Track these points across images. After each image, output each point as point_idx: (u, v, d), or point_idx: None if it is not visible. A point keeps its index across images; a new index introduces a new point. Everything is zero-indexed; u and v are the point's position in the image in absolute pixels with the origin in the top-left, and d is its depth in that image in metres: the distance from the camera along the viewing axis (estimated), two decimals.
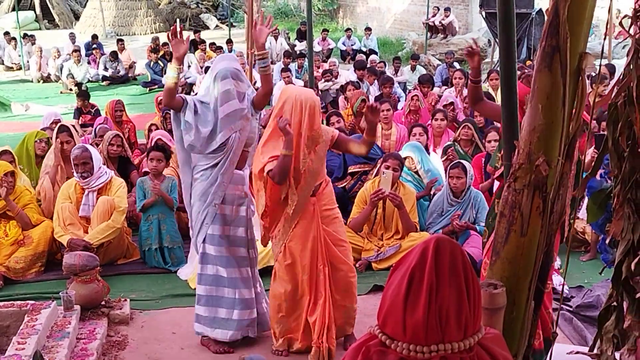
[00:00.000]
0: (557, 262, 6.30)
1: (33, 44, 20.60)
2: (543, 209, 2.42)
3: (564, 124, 2.38)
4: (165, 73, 18.43)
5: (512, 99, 3.27)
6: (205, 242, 5.07)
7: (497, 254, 2.49)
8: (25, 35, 21.49)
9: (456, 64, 16.03)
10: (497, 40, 15.56)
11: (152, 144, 7.91)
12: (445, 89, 13.50)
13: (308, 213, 4.92)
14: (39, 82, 18.95)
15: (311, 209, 4.93)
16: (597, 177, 6.25)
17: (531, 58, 15.23)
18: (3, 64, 21.34)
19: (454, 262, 1.92)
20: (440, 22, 21.60)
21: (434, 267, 1.91)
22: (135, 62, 19.41)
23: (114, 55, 18.93)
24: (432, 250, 1.92)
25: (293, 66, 16.79)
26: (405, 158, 7.46)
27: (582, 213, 6.49)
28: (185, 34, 5.19)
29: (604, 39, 2.86)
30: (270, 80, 5.02)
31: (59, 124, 8.12)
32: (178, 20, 27.78)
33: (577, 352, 2.80)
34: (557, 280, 5.81)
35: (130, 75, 18.91)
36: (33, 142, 8.20)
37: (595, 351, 2.75)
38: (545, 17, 2.39)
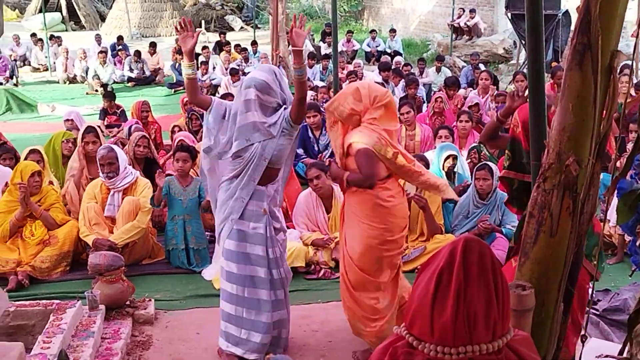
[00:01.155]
0: None
1: (59, 45, 20.78)
2: (573, 210, 2.38)
3: (595, 123, 2.35)
4: None
5: (539, 100, 3.22)
6: (224, 256, 4.90)
7: (525, 255, 2.45)
8: (51, 36, 21.69)
9: (481, 66, 15.95)
10: (522, 41, 15.52)
11: (176, 145, 7.92)
12: (471, 90, 13.44)
13: None
14: (65, 83, 19.11)
15: None
16: (628, 177, 6.20)
17: (558, 60, 15.12)
18: (30, 65, 21.55)
19: (482, 262, 1.89)
20: (465, 24, 21.51)
21: (462, 268, 1.88)
22: (161, 68, 19.39)
23: (138, 55, 19.02)
24: (460, 251, 1.90)
25: (318, 67, 16.80)
26: (448, 156, 7.45)
27: (610, 215, 6.41)
28: (202, 34, 5.09)
29: (636, 37, 2.81)
30: (304, 87, 4.68)
31: (86, 125, 8.17)
32: (203, 21, 27.98)
33: (607, 356, 2.75)
34: None
35: (157, 78, 18.96)
36: (60, 142, 8.27)
37: (624, 355, 2.70)
38: (573, 18, 2.36)
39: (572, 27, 2.39)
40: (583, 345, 2.59)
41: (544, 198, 2.41)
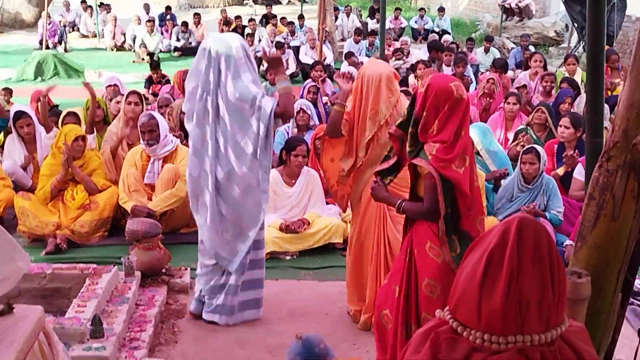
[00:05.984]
0: None
1: (108, 12, 20.92)
2: (638, 193, 2.21)
3: None
4: None
5: (598, 81, 3.09)
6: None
7: (583, 239, 2.29)
8: (101, 4, 21.85)
9: (531, 48, 15.59)
10: (575, 24, 15.14)
11: None
12: (520, 72, 13.16)
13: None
14: (112, 50, 19.23)
15: None
16: None
17: (611, 44, 14.73)
18: (79, 31, 21.73)
19: (538, 245, 1.75)
20: (516, 5, 21.04)
21: (515, 250, 1.73)
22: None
23: (185, 26, 19.06)
24: (514, 231, 1.75)
25: (364, 43, 16.64)
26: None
27: None
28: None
29: None
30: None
31: (130, 90, 8.13)
32: None
33: None
34: None
35: None
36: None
37: None
38: (629, 2, 2.19)
39: (627, 12, 2.23)
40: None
41: (606, 179, 2.24)
